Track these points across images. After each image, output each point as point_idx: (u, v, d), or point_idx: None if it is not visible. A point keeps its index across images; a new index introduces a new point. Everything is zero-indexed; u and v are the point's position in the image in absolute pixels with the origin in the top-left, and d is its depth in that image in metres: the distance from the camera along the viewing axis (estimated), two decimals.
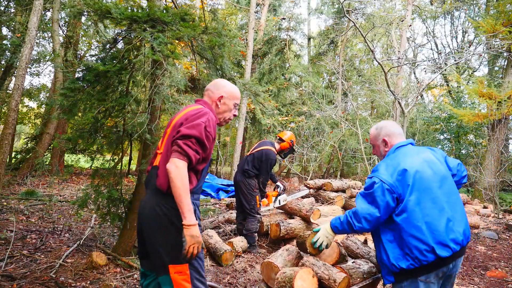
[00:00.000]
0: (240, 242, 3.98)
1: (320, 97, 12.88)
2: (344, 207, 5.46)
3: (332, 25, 15.96)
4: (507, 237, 5.62)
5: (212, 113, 1.85)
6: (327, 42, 15.78)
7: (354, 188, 5.85)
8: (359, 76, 16.68)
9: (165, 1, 3.83)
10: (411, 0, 12.78)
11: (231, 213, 5.25)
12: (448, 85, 16.56)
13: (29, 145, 10.38)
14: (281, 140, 4.40)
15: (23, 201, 6.05)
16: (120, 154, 3.57)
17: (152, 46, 2.85)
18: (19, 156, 10.29)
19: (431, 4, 14.79)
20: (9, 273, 2.96)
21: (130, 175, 11.05)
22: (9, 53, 9.89)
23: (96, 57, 3.40)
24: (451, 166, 1.98)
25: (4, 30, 10.92)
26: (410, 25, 13.58)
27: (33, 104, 15.35)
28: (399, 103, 8.26)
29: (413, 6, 13.41)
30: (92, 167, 4.05)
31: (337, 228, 2.00)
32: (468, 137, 13.41)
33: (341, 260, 2.75)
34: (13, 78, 10.55)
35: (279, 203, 4.52)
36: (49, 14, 10.88)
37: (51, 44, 11.86)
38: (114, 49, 3.27)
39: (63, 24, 11.42)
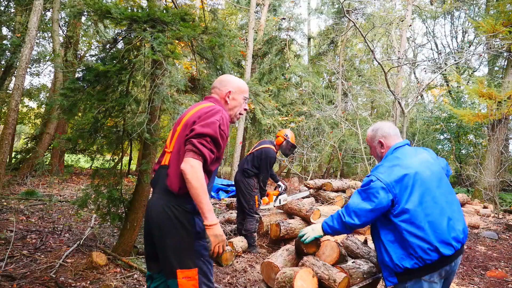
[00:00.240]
0: (240, 242, 3.98)
1: (320, 97, 12.87)
2: None
3: (332, 25, 15.96)
4: (507, 237, 5.62)
5: (224, 110, 1.78)
6: (327, 42, 15.77)
7: (354, 188, 5.86)
8: (359, 76, 16.68)
9: (165, 1, 3.83)
10: (411, 0, 12.77)
11: (231, 213, 5.25)
12: (448, 85, 16.56)
13: (29, 145, 10.35)
14: (275, 137, 4.46)
15: (23, 201, 6.04)
16: (120, 154, 3.57)
17: (152, 46, 2.85)
18: (19, 156, 10.25)
19: (431, 4, 14.76)
20: (9, 273, 2.96)
21: (130, 175, 11.09)
22: (9, 53, 9.87)
23: (96, 57, 3.39)
24: (442, 166, 2.02)
25: (4, 30, 10.93)
26: (410, 25, 13.57)
27: (33, 104, 15.34)
28: (399, 103, 8.26)
29: (413, 6, 13.40)
30: (92, 167, 4.04)
31: (327, 224, 2.03)
32: (468, 137, 13.43)
33: (341, 260, 2.75)
34: (13, 78, 10.55)
35: (280, 203, 4.52)
36: (49, 14, 10.87)
37: (51, 44, 11.88)
38: (114, 49, 3.27)
39: (63, 24, 11.40)
